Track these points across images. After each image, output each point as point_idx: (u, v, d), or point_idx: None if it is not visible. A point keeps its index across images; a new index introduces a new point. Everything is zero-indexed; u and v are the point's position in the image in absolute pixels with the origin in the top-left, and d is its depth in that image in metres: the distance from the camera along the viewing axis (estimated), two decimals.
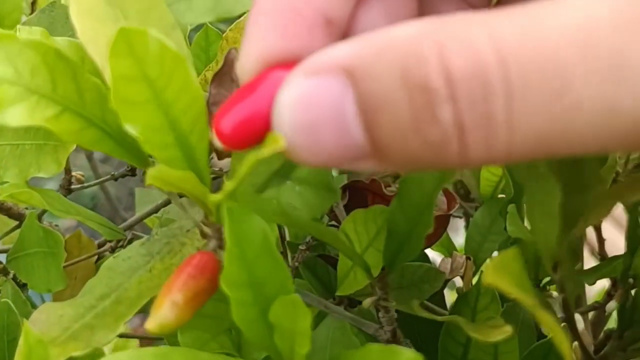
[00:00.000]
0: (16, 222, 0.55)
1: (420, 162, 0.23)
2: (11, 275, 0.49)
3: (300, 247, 0.41)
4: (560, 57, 0.21)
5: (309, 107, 0.23)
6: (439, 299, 0.48)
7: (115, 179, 0.53)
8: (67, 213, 0.44)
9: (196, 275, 0.30)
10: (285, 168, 0.34)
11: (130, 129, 0.28)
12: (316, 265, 0.43)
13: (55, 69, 0.31)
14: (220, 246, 0.32)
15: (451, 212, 0.44)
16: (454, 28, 0.22)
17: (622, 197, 0.26)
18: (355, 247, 0.37)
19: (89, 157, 0.78)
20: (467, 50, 0.21)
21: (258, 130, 0.25)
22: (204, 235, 0.32)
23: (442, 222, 0.43)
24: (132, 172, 0.52)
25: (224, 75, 0.35)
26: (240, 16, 0.42)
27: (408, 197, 0.32)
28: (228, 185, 0.27)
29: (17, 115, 0.30)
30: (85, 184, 0.54)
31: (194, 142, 0.30)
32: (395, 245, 0.34)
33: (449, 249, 0.56)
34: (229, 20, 0.41)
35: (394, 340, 0.37)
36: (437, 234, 0.43)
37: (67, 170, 0.53)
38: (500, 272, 0.24)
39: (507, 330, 0.30)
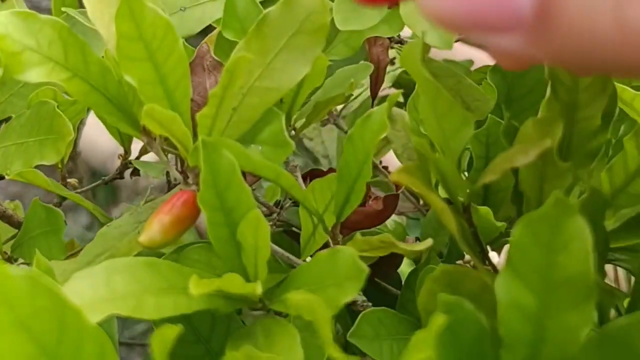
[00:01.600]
0: (16, 231, 0.61)
1: (603, 53, 0.19)
2: (17, 263, 0.54)
3: (275, 213, 0.48)
4: None
5: None
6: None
7: (106, 183, 0.60)
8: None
9: (179, 205, 0.37)
10: (250, 134, 0.41)
11: (129, 80, 0.36)
12: (281, 240, 0.50)
13: (68, 43, 0.38)
14: (199, 189, 0.38)
15: (399, 192, 0.51)
16: None
17: (513, 161, 0.32)
18: (319, 211, 0.43)
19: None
20: None
21: None
22: (185, 179, 0.39)
23: (392, 202, 0.50)
24: (120, 174, 0.59)
25: (197, 66, 0.43)
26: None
27: (350, 154, 0.39)
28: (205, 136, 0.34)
29: (38, 75, 0.37)
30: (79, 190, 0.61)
31: (179, 97, 0.37)
32: (343, 197, 0.41)
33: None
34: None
35: None
36: (387, 213, 0.50)
37: (63, 177, 0.60)
38: (406, 173, 0.31)
39: None
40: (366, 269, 0.32)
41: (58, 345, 0.25)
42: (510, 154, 0.32)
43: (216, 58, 0.42)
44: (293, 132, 0.46)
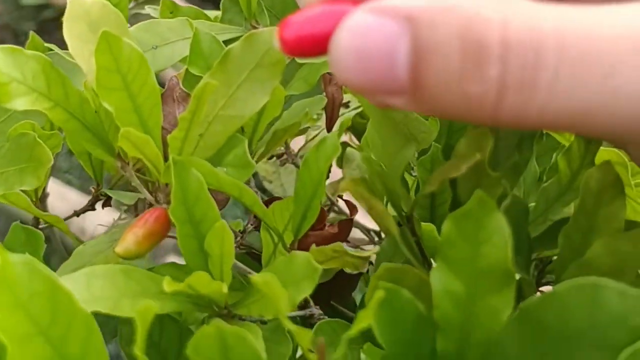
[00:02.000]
0: None
1: (453, 110, 0.26)
2: None
3: (238, 237, 0.52)
4: (614, 46, 0.24)
5: (366, 36, 0.26)
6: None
7: (78, 215, 0.63)
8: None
9: (152, 220, 0.41)
10: (216, 158, 0.45)
11: (107, 107, 0.40)
12: (245, 261, 0.54)
13: (50, 76, 0.42)
14: (169, 206, 0.42)
15: (353, 217, 0.56)
16: (523, 8, 0.24)
17: (447, 173, 0.37)
18: (279, 230, 0.48)
19: None
20: (531, 25, 0.24)
21: (315, 46, 0.28)
22: (156, 200, 0.43)
23: (346, 226, 0.54)
24: (92, 206, 0.62)
25: (167, 97, 0.48)
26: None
27: (306, 175, 0.44)
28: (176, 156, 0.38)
29: (23, 104, 0.41)
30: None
31: (152, 124, 0.42)
32: (300, 216, 0.45)
33: None
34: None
35: (305, 304, 0.48)
36: (342, 236, 0.54)
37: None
38: (353, 183, 0.35)
39: None
40: (319, 267, 0.36)
41: (51, 325, 0.29)
42: (445, 168, 0.37)
43: (185, 90, 0.47)
44: (255, 159, 0.50)
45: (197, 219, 0.40)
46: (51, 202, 0.99)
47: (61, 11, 0.44)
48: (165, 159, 0.42)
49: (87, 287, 0.37)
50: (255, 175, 0.91)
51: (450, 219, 0.32)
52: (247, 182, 0.50)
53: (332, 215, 0.68)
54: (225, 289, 0.36)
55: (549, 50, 0.24)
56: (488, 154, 0.36)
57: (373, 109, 0.38)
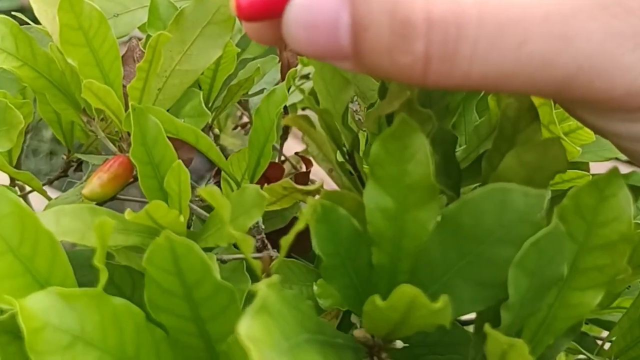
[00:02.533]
0: None
1: (388, 74, 0.29)
2: None
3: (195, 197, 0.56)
4: (527, 16, 0.27)
5: (313, 9, 0.29)
6: None
7: (51, 183, 0.67)
8: None
9: (116, 165, 0.45)
10: (174, 109, 0.49)
11: (71, 62, 0.43)
12: (207, 210, 0.57)
13: (18, 37, 0.46)
14: None
15: (309, 170, 0.59)
16: None
17: (381, 110, 0.41)
18: (237, 178, 0.51)
19: None
20: (452, 1, 0.27)
21: (266, 12, 0.31)
22: (121, 151, 0.47)
23: (302, 179, 0.58)
24: (65, 172, 0.65)
25: (128, 58, 0.51)
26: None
27: (258, 123, 0.47)
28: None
29: None
30: None
31: (112, 77, 0.45)
32: (255, 162, 0.48)
33: None
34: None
35: (263, 247, 0.51)
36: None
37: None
38: (296, 118, 0.39)
39: None
40: (267, 196, 0.39)
41: (19, 243, 0.33)
42: (379, 105, 0.41)
43: (144, 50, 0.50)
44: (212, 115, 0.54)
45: (157, 160, 0.43)
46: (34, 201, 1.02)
47: None
48: (127, 109, 0.45)
49: (56, 222, 0.40)
50: (224, 149, 0.95)
51: (378, 141, 0.35)
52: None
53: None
54: (182, 218, 0.40)
55: (470, 23, 0.27)
56: (417, 93, 0.40)
57: None
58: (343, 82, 0.43)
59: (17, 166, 0.67)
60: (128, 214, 0.38)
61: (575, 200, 0.34)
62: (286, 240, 0.33)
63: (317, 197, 0.53)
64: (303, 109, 0.84)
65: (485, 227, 0.33)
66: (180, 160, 0.42)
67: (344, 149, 0.44)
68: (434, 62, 0.28)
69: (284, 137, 0.63)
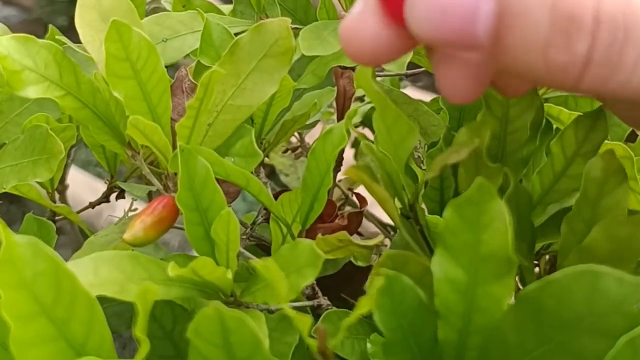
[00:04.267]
0: None
1: (532, 72, 0.26)
2: None
3: (247, 228, 0.53)
4: None
5: None
6: None
7: (93, 207, 0.64)
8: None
9: (160, 207, 0.42)
10: (224, 147, 0.46)
11: (117, 95, 0.40)
12: (255, 252, 0.54)
13: (62, 65, 0.43)
14: None
15: (363, 210, 0.56)
16: None
17: (447, 159, 0.37)
18: (287, 221, 0.48)
19: None
20: (624, 1, 0.24)
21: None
22: (166, 189, 0.44)
23: (356, 218, 0.55)
24: (106, 198, 0.63)
25: (177, 88, 0.48)
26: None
27: (314, 165, 0.44)
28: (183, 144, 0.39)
29: (35, 92, 0.42)
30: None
31: (160, 112, 0.42)
32: (308, 206, 0.45)
33: None
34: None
35: (313, 295, 0.48)
36: (352, 228, 0.54)
37: (53, 201, 0.64)
38: (356, 169, 0.36)
39: None
40: (322, 255, 0.36)
41: (54, 304, 0.30)
42: (445, 154, 0.37)
43: (194, 81, 0.47)
44: (265, 149, 0.50)
45: (204, 206, 0.40)
46: (80, 194, 1.00)
47: None
48: (174, 148, 0.42)
49: (95, 272, 0.37)
50: (273, 169, 0.92)
51: (451, 206, 0.32)
52: (258, 174, 0.51)
53: (347, 209, 0.68)
54: (229, 274, 0.37)
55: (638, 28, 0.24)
56: (487, 142, 0.36)
57: (379, 98, 0.39)
58: (407, 128, 0.39)
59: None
60: (172, 270, 0.35)
61: None
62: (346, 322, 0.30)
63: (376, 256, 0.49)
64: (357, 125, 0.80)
65: (571, 313, 0.29)
66: (230, 209, 0.39)
67: (406, 200, 0.40)
68: (593, 65, 0.25)
69: (336, 169, 0.60)
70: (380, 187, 0.36)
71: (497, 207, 0.31)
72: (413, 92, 0.80)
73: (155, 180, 0.45)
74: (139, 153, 0.45)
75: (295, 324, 0.32)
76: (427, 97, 0.72)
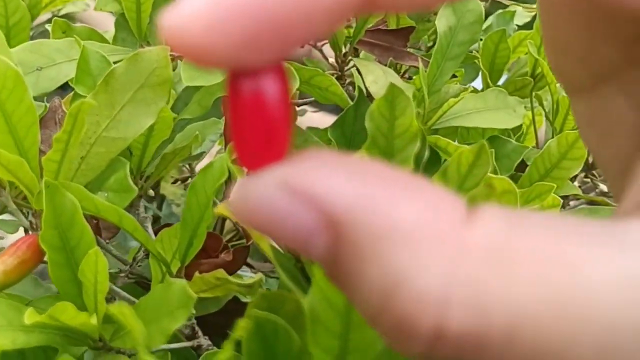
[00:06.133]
0: None
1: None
2: None
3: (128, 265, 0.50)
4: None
5: (276, 219, 0.19)
6: None
7: None
8: None
9: (24, 247, 0.39)
10: (97, 181, 0.43)
11: None
12: (134, 290, 0.52)
13: None
14: None
15: (249, 244, 0.54)
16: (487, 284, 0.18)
17: None
18: (166, 259, 0.46)
19: None
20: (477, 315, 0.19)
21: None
22: (33, 228, 0.41)
23: (241, 254, 0.53)
24: None
25: (49, 120, 0.45)
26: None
27: (193, 200, 0.42)
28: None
29: None
30: None
31: (28, 145, 0.40)
32: (187, 242, 0.43)
33: None
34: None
35: (193, 335, 0.46)
36: (237, 264, 0.53)
37: None
38: (228, 206, 0.34)
39: None
40: (194, 296, 0.34)
41: None
42: None
43: (66, 111, 0.45)
44: (144, 183, 0.48)
45: (71, 245, 0.38)
46: None
47: None
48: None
49: None
50: (164, 198, 0.89)
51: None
52: (136, 208, 0.48)
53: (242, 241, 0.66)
54: (94, 320, 0.35)
55: (494, 345, 0.18)
56: None
57: None
58: None
59: None
60: (29, 317, 0.33)
61: None
62: None
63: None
64: None
65: None
66: (98, 248, 0.37)
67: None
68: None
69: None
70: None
71: None
72: (313, 118, 0.79)
73: (22, 217, 0.42)
74: (4, 189, 0.42)
75: None
76: (329, 119, 0.71)
